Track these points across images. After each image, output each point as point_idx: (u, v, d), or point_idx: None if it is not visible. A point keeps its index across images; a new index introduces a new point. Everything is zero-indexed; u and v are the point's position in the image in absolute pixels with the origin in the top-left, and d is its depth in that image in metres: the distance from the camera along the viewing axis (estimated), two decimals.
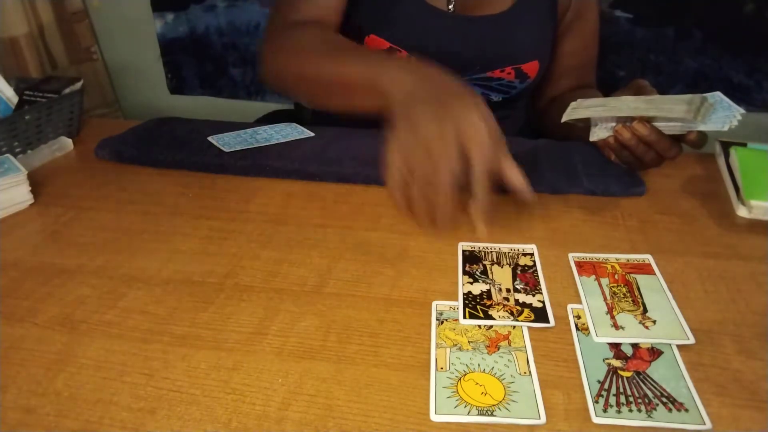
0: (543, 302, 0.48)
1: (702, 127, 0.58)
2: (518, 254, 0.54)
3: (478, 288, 0.50)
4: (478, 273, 0.52)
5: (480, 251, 0.55)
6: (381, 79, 0.56)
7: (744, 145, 0.69)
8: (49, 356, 0.44)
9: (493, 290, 0.50)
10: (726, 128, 0.57)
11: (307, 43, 0.70)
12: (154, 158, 0.72)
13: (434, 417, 0.38)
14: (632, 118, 0.61)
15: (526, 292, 0.49)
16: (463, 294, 0.49)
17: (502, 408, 0.39)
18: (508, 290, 0.50)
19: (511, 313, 0.47)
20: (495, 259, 0.54)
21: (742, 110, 0.57)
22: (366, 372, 0.42)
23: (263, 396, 0.40)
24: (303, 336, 0.45)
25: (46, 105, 0.75)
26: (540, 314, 0.47)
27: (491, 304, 0.48)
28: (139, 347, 0.44)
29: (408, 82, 0.55)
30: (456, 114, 0.49)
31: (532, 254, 0.54)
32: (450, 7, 0.81)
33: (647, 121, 0.60)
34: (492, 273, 0.52)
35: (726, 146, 0.70)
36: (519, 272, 0.52)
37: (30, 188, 0.64)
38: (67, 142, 0.78)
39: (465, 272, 0.52)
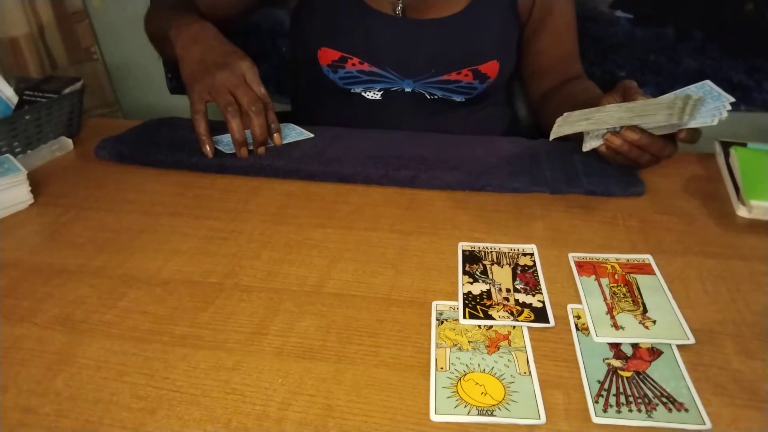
0: (543, 302, 0.48)
1: (692, 124, 0.58)
2: (518, 254, 0.54)
3: (478, 288, 0.50)
4: (478, 273, 0.52)
5: (480, 251, 0.55)
6: (176, 43, 0.74)
7: (744, 145, 0.69)
8: (49, 356, 0.44)
9: (493, 290, 0.50)
10: (715, 122, 0.56)
11: (164, 6, 0.84)
12: (154, 158, 0.72)
13: (434, 417, 0.38)
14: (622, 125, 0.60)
15: (526, 292, 0.49)
16: (463, 294, 0.49)
17: (502, 408, 0.39)
18: (508, 290, 0.50)
19: (511, 313, 0.47)
20: (495, 259, 0.54)
21: (731, 98, 0.56)
22: (366, 372, 0.42)
23: (263, 396, 0.40)
24: (303, 336, 0.45)
25: (46, 105, 0.75)
26: (540, 314, 0.47)
27: (491, 304, 0.48)
28: (139, 347, 0.44)
29: (186, 40, 0.73)
30: (229, 65, 0.70)
31: (532, 254, 0.54)
32: (397, 11, 0.80)
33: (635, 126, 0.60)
34: (492, 273, 0.52)
35: (726, 146, 0.70)
36: (519, 272, 0.52)
37: (30, 188, 0.64)
38: (67, 142, 0.78)
39: (465, 272, 0.52)
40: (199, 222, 0.61)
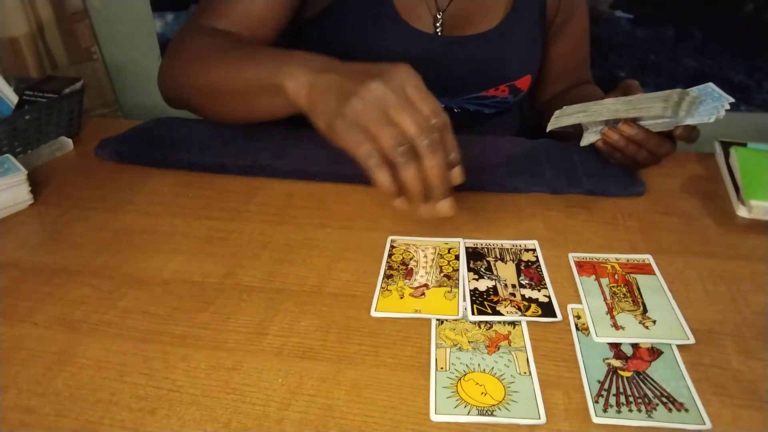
0: (549, 297, 0.48)
1: (689, 121, 0.58)
2: (521, 250, 0.54)
3: (484, 284, 0.50)
4: (482, 269, 0.52)
5: (483, 248, 0.55)
6: (279, 76, 0.53)
7: (744, 145, 0.69)
8: (49, 356, 0.44)
9: (498, 286, 0.50)
10: (712, 120, 0.56)
11: (204, 50, 0.64)
12: (154, 158, 0.72)
13: (434, 417, 0.38)
14: (619, 120, 0.61)
15: (532, 288, 0.49)
16: (470, 290, 0.49)
17: (502, 408, 0.39)
18: (513, 286, 0.50)
19: (519, 309, 0.47)
20: (498, 255, 0.54)
21: (731, 99, 0.56)
22: (366, 372, 0.42)
23: (263, 396, 0.40)
24: (303, 336, 0.45)
25: (46, 105, 0.75)
26: (547, 309, 0.47)
27: (498, 300, 0.48)
28: (139, 347, 0.44)
29: (310, 69, 0.51)
30: (378, 71, 0.47)
31: (534, 250, 0.54)
32: (437, 29, 0.78)
33: (632, 121, 0.60)
34: (496, 269, 0.52)
35: (726, 146, 0.70)
36: (523, 268, 0.52)
37: (30, 188, 0.64)
38: (67, 142, 0.78)
39: (470, 269, 0.52)
40: (199, 222, 0.61)
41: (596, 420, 0.38)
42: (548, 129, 0.64)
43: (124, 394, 0.40)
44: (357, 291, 0.50)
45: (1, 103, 0.77)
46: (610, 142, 0.62)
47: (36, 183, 0.66)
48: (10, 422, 0.39)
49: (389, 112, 0.45)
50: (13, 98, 0.79)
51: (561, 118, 0.62)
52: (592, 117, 0.61)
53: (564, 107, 0.62)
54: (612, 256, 0.54)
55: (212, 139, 0.75)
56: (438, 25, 0.78)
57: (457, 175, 0.48)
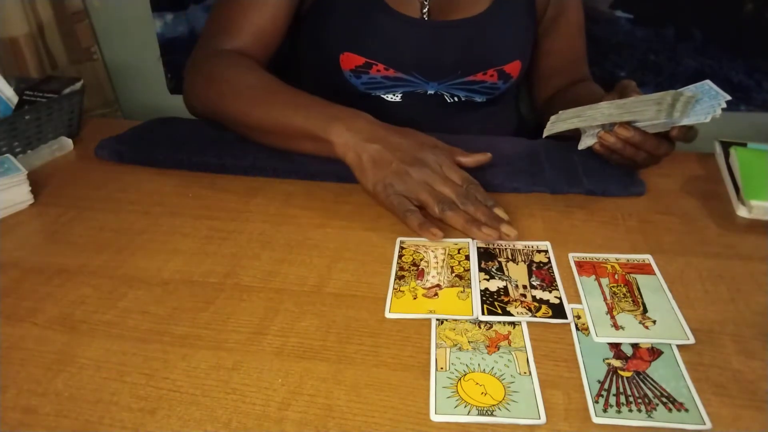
0: (560, 298, 0.48)
1: (685, 122, 0.58)
2: (533, 251, 0.54)
3: (494, 285, 0.50)
4: (494, 270, 0.52)
5: (495, 248, 0.55)
6: (326, 132, 0.62)
7: (744, 145, 0.69)
8: (49, 356, 0.44)
9: (509, 287, 0.50)
10: (708, 119, 0.56)
11: (240, 85, 0.70)
12: (154, 158, 0.72)
13: (434, 417, 0.38)
14: (615, 123, 0.60)
15: (543, 289, 0.49)
16: (481, 291, 0.49)
17: (502, 408, 0.39)
18: (524, 287, 0.50)
19: (529, 309, 0.47)
20: (510, 256, 0.54)
21: (727, 96, 0.56)
22: (366, 372, 0.42)
23: (263, 396, 0.40)
24: (303, 336, 0.45)
25: (46, 105, 0.75)
26: (557, 310, 0.47)
27: (509, 301, 0.48)
28: (139, 347, 0.44)
29: (356, 133, 0.61)
30: (421, 155, 0.60)
31: (546, 251, 0.54)
32: (424, 14, 0.79)
33: (628, 123, 0.60)
34: (508, 270, 0.52)
35: (726, 146, 0.70)
36: (534, 269, 0.52)
37: (30, 188, 0.64)
38: (67, 142, 0.78)
39: (481, 269, 0.52)
40: (199, 222, 0.61)
41: (596, 420, 0.38)
42: (544, 135, 0.64)
43: (124, 394, 0.40)
44: (357, 291, 0.50)
45: (1, 103, 0.78)
46: (607, 144, 0.62)
47: (36, 183, 0.66)
48: (10, 422, 0.39)
49: (432, 185, 0.58)
50: (13, 98, 0.79)
51: (556, 124, 0.62)
52: (587, 122, 0.61)
53: (559, 113, 0.62)
54: (612, 256, 0.54)
55: (212, 139, 0.75)
56: (424, 10, 0.79)
57: (500, 212, 0.57)
